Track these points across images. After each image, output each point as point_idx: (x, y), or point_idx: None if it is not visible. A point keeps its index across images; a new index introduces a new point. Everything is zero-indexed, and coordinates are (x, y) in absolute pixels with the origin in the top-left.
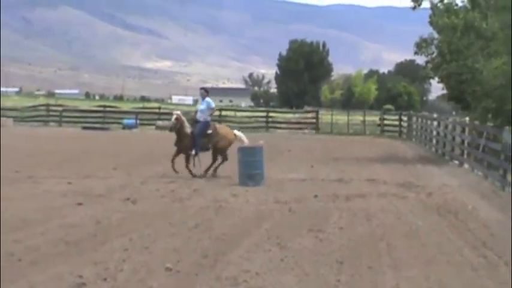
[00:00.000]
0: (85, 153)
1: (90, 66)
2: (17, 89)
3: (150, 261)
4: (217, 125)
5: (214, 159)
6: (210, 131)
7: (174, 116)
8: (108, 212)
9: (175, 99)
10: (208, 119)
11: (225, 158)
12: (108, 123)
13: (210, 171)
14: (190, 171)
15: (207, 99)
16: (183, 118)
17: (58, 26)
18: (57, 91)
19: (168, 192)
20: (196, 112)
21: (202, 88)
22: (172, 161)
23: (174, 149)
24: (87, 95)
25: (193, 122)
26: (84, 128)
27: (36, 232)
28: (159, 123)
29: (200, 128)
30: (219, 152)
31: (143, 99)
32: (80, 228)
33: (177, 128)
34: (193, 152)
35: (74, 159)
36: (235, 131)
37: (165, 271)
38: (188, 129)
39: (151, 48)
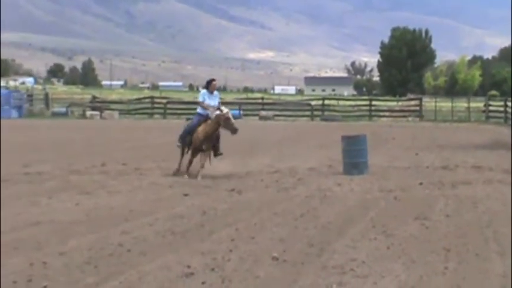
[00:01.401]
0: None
1: (194, 59)
2: (122, 82)
3: (256, 250)
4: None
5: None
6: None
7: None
8: (214, 203)
9: (277, 89)
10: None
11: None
12: None
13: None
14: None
15: (215, 92)
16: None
17: (161, 20)
18: (161, 83)
19: (272, 182)
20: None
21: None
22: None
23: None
24: (191, 87)
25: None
26: (188, 119)
27: (144, 223)
28: (263, 113)
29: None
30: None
31: (246, 89)
32: (187, 219)
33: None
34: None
35: (178, 150)
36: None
37: (272, 260)
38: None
39: (254, 39)
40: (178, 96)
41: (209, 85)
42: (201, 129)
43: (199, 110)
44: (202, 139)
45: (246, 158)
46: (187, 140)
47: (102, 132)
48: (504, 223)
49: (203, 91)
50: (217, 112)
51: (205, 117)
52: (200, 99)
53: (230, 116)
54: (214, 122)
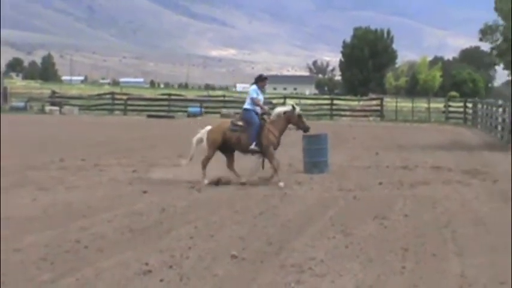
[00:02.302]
0: (150, 141)
1: (155, 55)
2: (82, 78)
3: (215, 248)
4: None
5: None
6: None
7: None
8: (173, 200)
9: (239, 87)
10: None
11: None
12: (173, 111)
13: None
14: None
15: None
16: None
17: (123, 15)
18: (122, 80)
19: (232, 180)
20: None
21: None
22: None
23: None
24: (152, 84)
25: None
26: (149, 116)
27: (102, 220)
28: (224, 111)
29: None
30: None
31: (208, 87)
32: (146, 216)
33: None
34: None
35: (139, 148)
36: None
37: (231, 258)
38: None
39: (216, 36)
40: (139, 92)
41: (260, 81)
42: (271, 128)
43: (248, 106)
44: (278, 136)
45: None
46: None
47: (61, 128)
48: (462, 224)
49: (254, 87)
50: (281, 109)
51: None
52: (254, 95)
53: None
54: (284, 119)
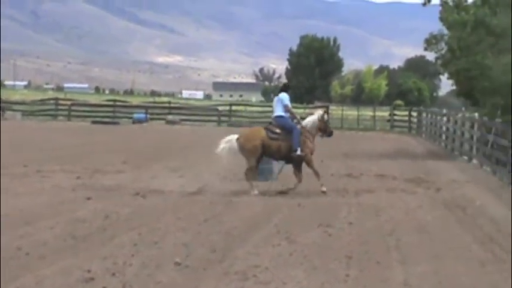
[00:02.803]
0: (94, 148)
1: (101, 61)
2: (25, 83)
3: (159, 256)
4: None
5: None
6: None
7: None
8: (117, 207)
9: (185, 94)
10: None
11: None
12: (118, 117)
13: None
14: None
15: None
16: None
17: (68, 20)
18: (66, 85)
19: (177, 187)
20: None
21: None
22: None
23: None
24: (97, 89)
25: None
26: (94, 122)
27: (44, 227)
28: (169, 117)
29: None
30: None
31: (153, 93)
32: (89, 223)
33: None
34: None
35: (83, 154)
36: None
37: (174, 266)
38: None
39: (163, 43)
40: (84, 98)
41: (288, 88)
42: (307, 135)
43: (282, 113)
44: (313, 142)
45: (152, 162)
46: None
47: (3, 133)
48: (406, 232)
49: (285, 94)
50: (315, 117)
51: None
52: (287, 102)
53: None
54: (316, 126)
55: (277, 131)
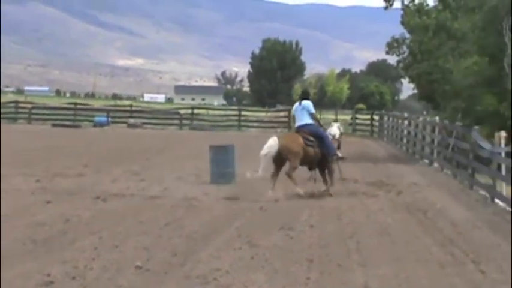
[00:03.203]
0: (55, 151)
1: (61, 64)
2: None
3: (119, 259)
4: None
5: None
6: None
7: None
8: (77, 210)
9: (147, 97)
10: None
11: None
12: (79, 120)
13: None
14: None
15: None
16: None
17: (27, 23)
18: (26, 88)
19: (138, 191)
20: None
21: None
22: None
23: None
24: (58, 92)
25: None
26: (54, 125)
27: (3, 230)
28: (131, 121)
29: None
30: None
31: (115, 96)
32: (49, 227)
33: None
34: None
35: (43, 157)
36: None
37: (135, 269)
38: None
39: (124, 45)
40: (44, 101)
41: (309, 95)
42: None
43: (311, 120)
44: None
45: (113, 166)
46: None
47: None
48: (367, 235)
49: (309, 102)
50: (337, 130)
51: None
52: (313, 110)
53: None
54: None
55: (311, 138)
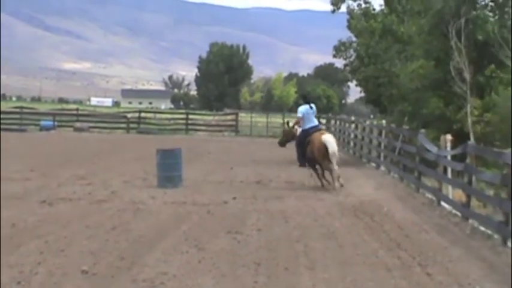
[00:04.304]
0: (1, 155)
1: (7, 68)
2: None
3: (65, 264)
4: (315, 134)
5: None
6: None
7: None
8: (24, 215)
9: (94, 101)
10: (300, 128)
11: (325, 167)
12: (25, 124)
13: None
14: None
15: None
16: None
17: None
18: None
19: (85, 195)
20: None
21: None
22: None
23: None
24: (4, 97)
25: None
26: (0, 129)
27: None
28: (77, 124)
29: (298, 139)
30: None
31: (61, 100)
32: None
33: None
34: (300, 162)
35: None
36: (323, 136)
37: (81, 274)
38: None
39: (70, 49)
40: None
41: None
42: None
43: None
44: None
45: (59, 170)
46: None
47: None
48: (314, 238)
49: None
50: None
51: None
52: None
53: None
54: None
55: None
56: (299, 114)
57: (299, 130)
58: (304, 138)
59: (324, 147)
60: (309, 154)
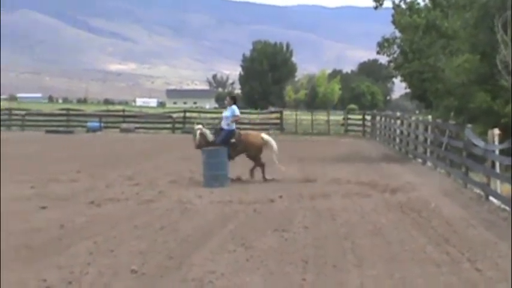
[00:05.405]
0: (49, 157)
1: (53, 70)
2: None
3: (115, 264)
4: (243, 132)
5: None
6: (233, 140)
7: (199, 132)
8: (72, 216)
9: (139, 101)
10: (233, 127)
11: (259, 164)
12: (72, 126)
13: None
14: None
15: (233, 106)
16: (205, 130)
17: (19, 30)
18: (19, 95)
19: (133, 195)
20: (221, 119)
21: (228, 96)
22: None
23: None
24: (51, 99)
25: (217, 130)
26: (48, 131)
27: None
28: (124, 125)
29: (222, 137)
30: (252, 159)
31: (107, 102)
32: (44, 233)
33: (203, 144)
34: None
35: (38, 163)
36: (263, 135)
37: (130, 273)
38: (210, 139)
39: (115, 51)
40: (37, 107)
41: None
42: None
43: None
44: None
45: (107, 171)
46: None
47: None
48: (361, 235)
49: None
50: None
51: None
52: (236, 113)
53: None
54: None
55: None
56: (238, 113)
57: (207, 133)
58: (232, 137)
59: (264, 146)
60: (240, 151)
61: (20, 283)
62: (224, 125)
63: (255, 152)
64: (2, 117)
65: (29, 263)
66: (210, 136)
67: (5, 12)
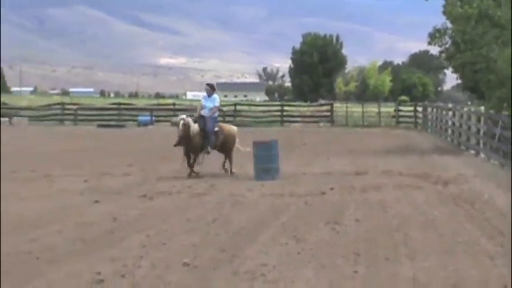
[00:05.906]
0: (101, 151)
1: (105, 65)
2: (31, 88)
3: (167, 257)
4: (221, 124)
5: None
6: (217, 129)
7: (182, 122)
8: (125, 209)
9: (189, 95)
10: (216, 115)
11: (230, 157)
12: (123, 120)
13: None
14: (192, 170)
15: (214, 95)
16: (189, 119)
17: (71, 26)
18: (71, 90)
19: (184, 188)
20: (201, 107)
21: (207, 84)
22: (188, 163)
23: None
24: (102, 93)
25: (199, 117)
26: (100, 125)
27: (52, 231)
28: (175, 119)
29: (211, 124)
30: (227, 150)
31: (158, 95)
32: (97, 226)
33: (187, 133)
34: (209, 149)
35: (90, 157)
36: (233, 126)
37: (183, 266)
38: (195, 129)
39: (166, 45)
40: (89, 102)
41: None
42: None
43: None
44: None
45: (158, 164)
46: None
47: (11, 139)
48: (414, 227)
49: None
50: None
51: None
52: (217, 103)
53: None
54: None
55: None
56: (218, 104)
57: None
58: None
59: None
60: (221, 140)
61: (75, 275)
62: (205, 113)
63: (232, 142)
64: (55, 111)
65: (83, 256)
66: (193, 126)
67: (58, 8)
